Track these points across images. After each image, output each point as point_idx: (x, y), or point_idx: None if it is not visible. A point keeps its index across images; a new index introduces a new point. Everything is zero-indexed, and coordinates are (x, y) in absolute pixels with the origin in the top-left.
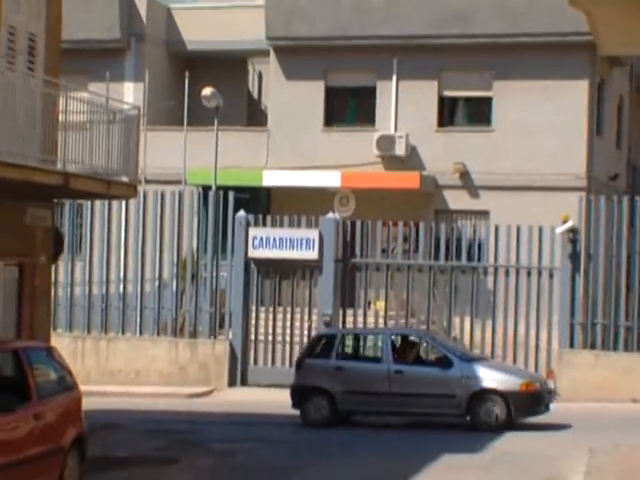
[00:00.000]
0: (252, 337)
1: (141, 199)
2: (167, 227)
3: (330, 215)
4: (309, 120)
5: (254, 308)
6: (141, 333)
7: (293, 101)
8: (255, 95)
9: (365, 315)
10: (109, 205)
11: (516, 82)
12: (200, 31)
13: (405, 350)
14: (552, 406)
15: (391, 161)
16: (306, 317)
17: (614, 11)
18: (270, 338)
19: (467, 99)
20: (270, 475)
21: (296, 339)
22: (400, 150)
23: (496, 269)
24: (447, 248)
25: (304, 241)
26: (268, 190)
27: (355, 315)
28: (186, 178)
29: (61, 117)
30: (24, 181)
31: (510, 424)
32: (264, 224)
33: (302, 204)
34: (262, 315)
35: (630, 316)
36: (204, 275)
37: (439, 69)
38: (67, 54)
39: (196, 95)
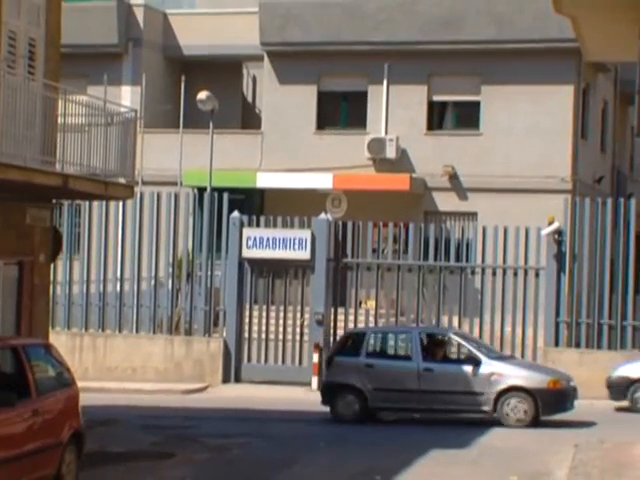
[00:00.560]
0: (246, 335)
1: (138, 200)
2: (163, 227)
3: (322, 216)
4: (302, 123)
5: (248, 306)
6: (137, 331)
7: (286, 105)
8: (249, 99)
9: (356, 314)
10: (107, 206)
11: (504, 87)
12: (196, 36)
13: (434, 348)
14: None
15: (382, 163)
16: (298, 315)
17: (599, 18)
18: (263, 336)
19: (456, 103)
20: (264, 468)
21: (288, 337)
22: (391, 153)
23: (484, 269)
24: (436, 248)
25: (297, 241)
26: (262, 191)
27: (346, 314)
28: (182, 180)
29: (60, 120)
30: (24, 182)
31: (537, 421)
32: (258, 224)
33: (295, 205)
34: (256, 313)
35: (613, 315)
36: (199, 274)
37: (429, 74)
38: (66, 58)
39: (192, 99)
